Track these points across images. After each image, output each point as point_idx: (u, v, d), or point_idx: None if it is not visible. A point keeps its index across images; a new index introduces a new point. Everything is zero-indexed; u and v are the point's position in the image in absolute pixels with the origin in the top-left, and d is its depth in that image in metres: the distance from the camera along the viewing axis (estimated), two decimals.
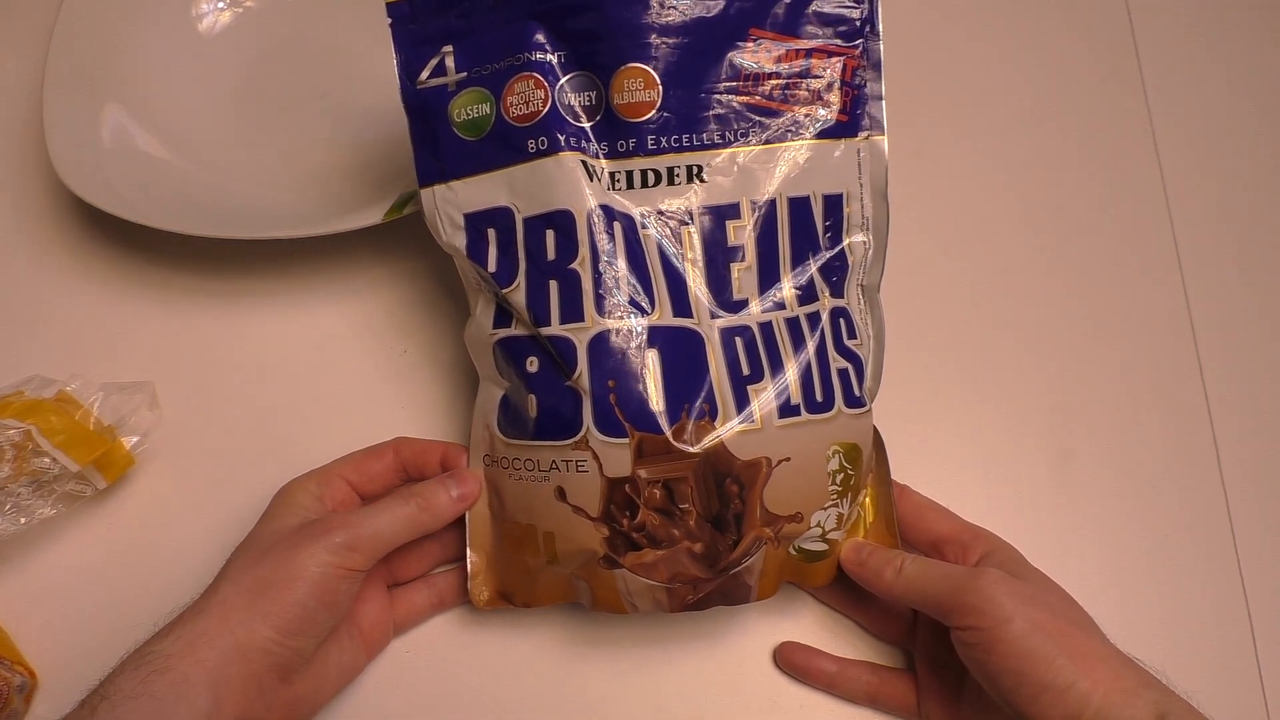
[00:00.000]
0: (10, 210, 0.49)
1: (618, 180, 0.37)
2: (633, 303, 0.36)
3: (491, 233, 0.38)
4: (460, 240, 0.38)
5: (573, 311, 0.36)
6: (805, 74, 0.37)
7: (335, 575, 0.34)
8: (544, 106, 0.36)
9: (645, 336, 0.36)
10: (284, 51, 0.54)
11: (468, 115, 0.37)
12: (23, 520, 0.39)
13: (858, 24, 0.38)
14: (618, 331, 0.36)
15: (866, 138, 0.38)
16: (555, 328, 0.36)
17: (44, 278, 0.48)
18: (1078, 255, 0.51)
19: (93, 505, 0.43)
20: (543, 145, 0.36)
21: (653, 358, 0.36)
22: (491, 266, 0.37)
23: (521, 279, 0.37)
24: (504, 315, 0.38)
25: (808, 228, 0.38)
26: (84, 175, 0.45)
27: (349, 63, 0.53)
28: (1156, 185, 0.53)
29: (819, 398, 0.37)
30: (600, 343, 0.36)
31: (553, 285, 0.36)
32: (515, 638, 0.41)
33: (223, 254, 0.48)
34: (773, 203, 0.37)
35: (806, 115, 0.38)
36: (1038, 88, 0.55)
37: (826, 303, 0.38)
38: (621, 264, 0.36)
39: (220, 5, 0.54)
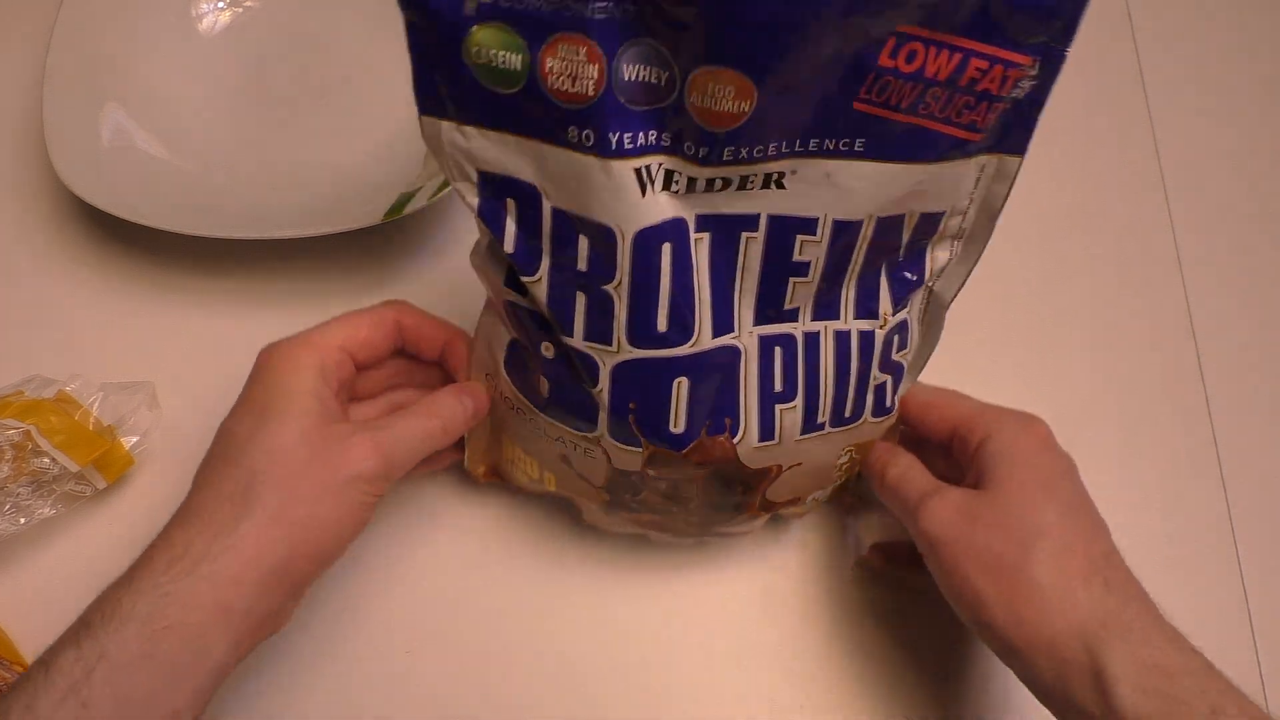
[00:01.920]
0: (10, 210, 0.49)
1: (676, 182, 0.30)
2: (670, 332, 0.31)
3: (511, 204, 0.31)
4: (472, 196, 0.31)
5: (601, 333, 0.32)
6: (952, 82, 0.28)
7: (369, 505, 0.34)
8: (595, 90, 0.27)
9: (678, 366, 0.32)
10: (284, 51, 0.54)
11: (489, 60, 0.27)
12: (23, 520, 0.39)
13: (1054, 24, 0.28)
14: (649, 362, 0.32)
15: (998, 156, 0.31)
16: (579, 342, 0.32)
17: (44, 278, 0.48)
18: (1077, 255, 0.51)
19: (93, 505, 0.43)
20: (588, 141, 0.28)
21: (682, 385, 0.33)
22: (509, 245, 0.31)
23: (545, 275, 0.32)
24: (518, 281, 0.32)
25: (890, 241, 0.33)
26: (84, 175, 0.45)
27: (349, 62, 0.53)
28: (1157, 185, 0.53)
29: (848, 414, 0.36)
30: (628, 369, 0.32)
31: (580, 297, 0.31)
32: (516, 639, 0.41)
33: (222, 254, 0.48)
34: (859, 222, 0.31)
35: (937, 131, 0.29)
36: None
37: (887, 320, 0.34)
38: (665, 290, 0.31)
39: (220, 5, 0.54)
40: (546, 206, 0.30)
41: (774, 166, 0.29)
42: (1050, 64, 0.29)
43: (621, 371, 0.32)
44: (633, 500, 0.36)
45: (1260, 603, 0.44)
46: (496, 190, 0.31)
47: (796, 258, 0.31)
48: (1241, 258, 0.51)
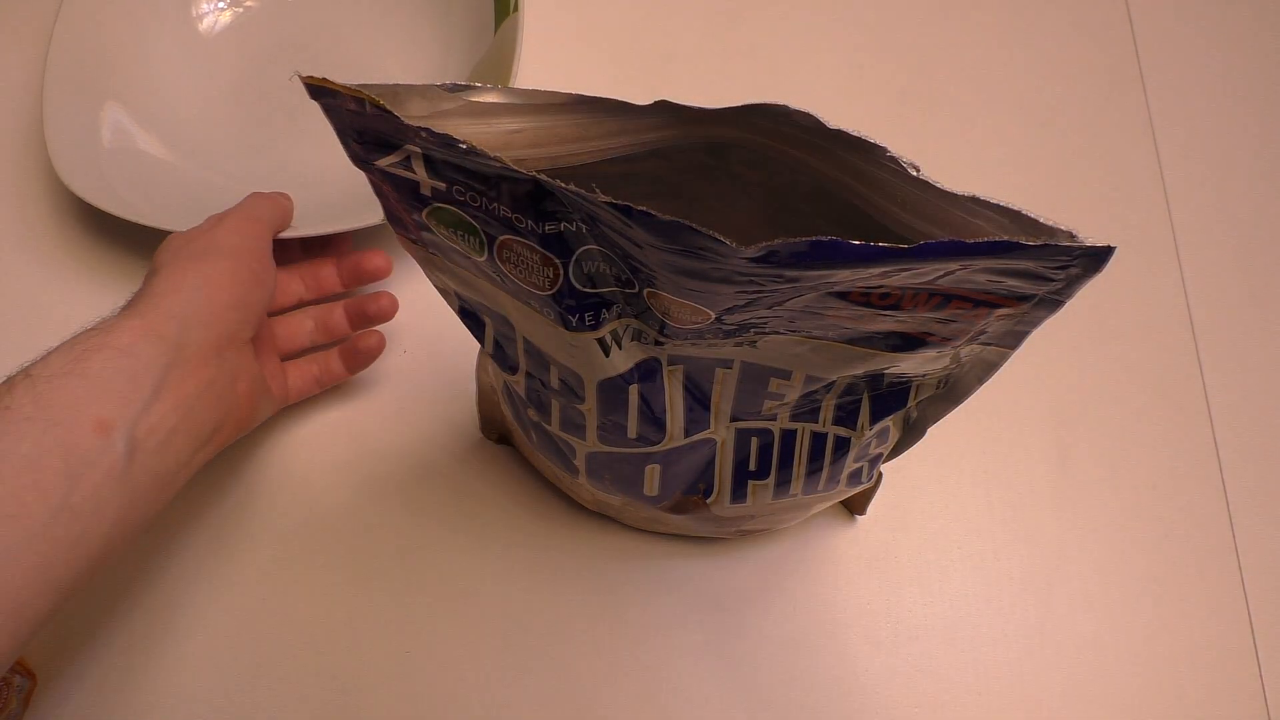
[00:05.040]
0: (10, 209, 0.49)
1: (645, 337, 0.29)
2: (640, 438, 0.33)
3: (488, 322, 0.32)
4: (454, 304, 0.32)
5: (574, 429, 0.33)
6: (933, 316, 0.26)
7: (253, 239, 0.37)
8: (552, 285, 0.27)
9: (652, 457, 0.34)
10: (284, 50, 0.54)
11: (453, 234, 0.27)
12: None
13: (1045, 290, 0.25)
14: (621, 455, 0.34)
15: (980, 348, 0.29)
16: (555, 430, 0.34)
17: (44, 277, 0.48)
18: None
19: None
20: (549, 314, 0.28)
21: (655, 470, 0.34)
22: (488, 348, 0.33)
23: (522, 379, 0.33)
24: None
25: (870, 382, 0.32)
26: (84, 175, 0.45)
27: (350, 61, 0.53)
28: (1157, 185, 0.53)
29: (820, 488, 0.36)
30: (600, 457, 0.34)
31: (554, 402, 0.33)
32: (515, 638, 0.41)
33: None
34: (834, 380, 0.31)
35: (913, 335, 0.28)
36: (1037, 88, 0.55)
37: (865, 431, 0.34)
38: (633, 412, 0.32)
39: (220, 4, 0.54)
40: (519, 336, 0.31)
41: (744, 338, 0.29)
42: (1046, 306, 0.26)
43: (595, 458, 0.34)
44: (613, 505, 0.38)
45: (1260, 603, 0.44)
46: (471, 311, 0.32)
47: (772, 390, 0.32)
48: (1241, 258, 0.51)
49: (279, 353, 0.42)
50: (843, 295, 0.25)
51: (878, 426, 0.34)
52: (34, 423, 0.28)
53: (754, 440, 0.34)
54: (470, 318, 0.32)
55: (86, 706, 0.39)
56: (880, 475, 0.40)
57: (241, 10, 0.54)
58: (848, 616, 0.42)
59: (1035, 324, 0.27)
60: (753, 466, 0.35)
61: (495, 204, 0.26)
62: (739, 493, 0.36)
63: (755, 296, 0.25)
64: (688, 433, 0.33)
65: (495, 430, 0.43)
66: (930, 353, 0.29)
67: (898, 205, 0.26)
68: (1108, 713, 0.42)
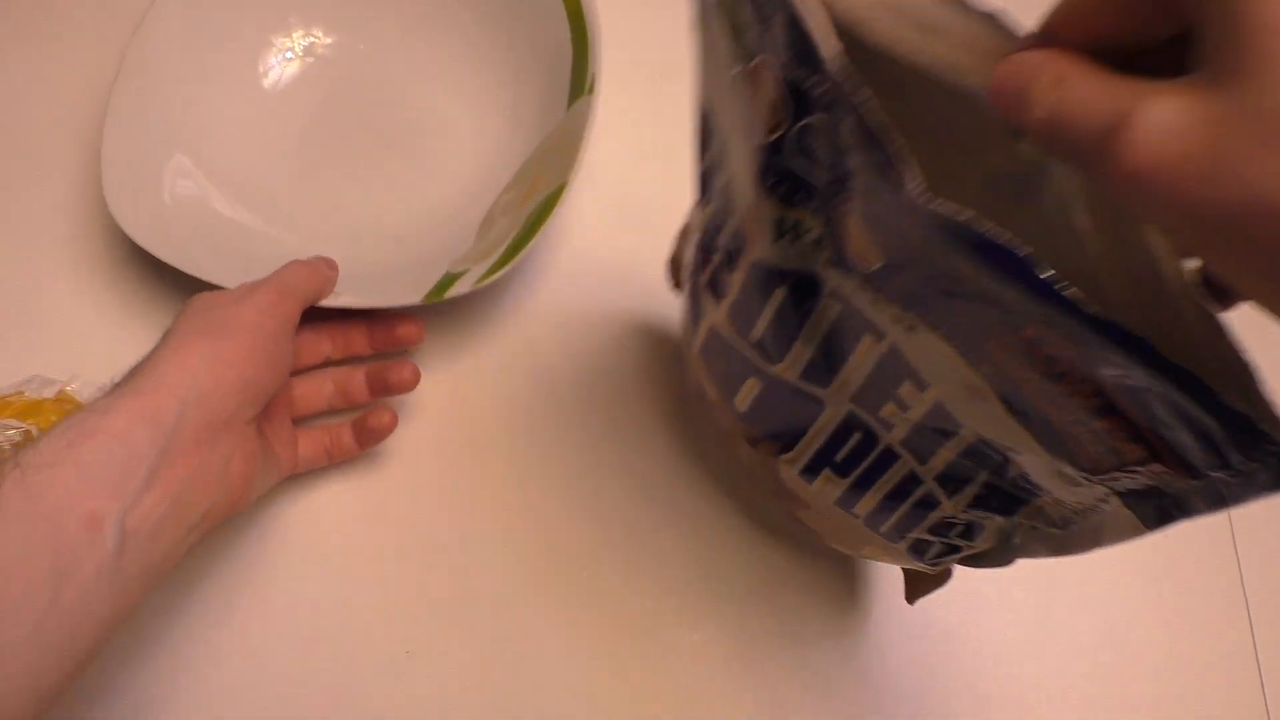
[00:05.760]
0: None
1: (820, 253, 0.26)
2: (758, 346, 0.31)
3: (714, 143, 0.30)
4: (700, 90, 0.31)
5: (714, 293, 0.32)
6: (1086, 416, 0.22)
7: (277, 319, 0.36)
8: (771, 133, 0.25)
9: (757, 372, 0.32)
10: (352, 104, 0.52)
11: (727, 31, 0.26)
12: None
13: (1217, 473, 0.21)
14: (733, 350, 0.32)
15: (1119, 503, 0.25)
16: (703, 281, 0.33)
17: (44, 277, 0.48)
18: None
19: None
20: (753, 166, 0.26)
21: (753, 385, 0.33)
22: (705, 160, 0.31)
23: (706, 218, 0.32)
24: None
25: (999, 466, 0.27)
26: (143, 225, 0.44)
27: (417, 116, 0.52)
28: None
29: (882, 530, 0.34)
30: (719, 338, 0.33)
31: (716, 258, 0.31)
32: (515, 640, 0.41)
33: None
34: (958, 430, 0.27)
35: (1056, 426, 0.23)
36: None
37: (955, 509, 0.30)
38: (768, 314, 0.29)
39: (288, 55, 0.52)
40: (725, 170, 0.30)
41: (906, 317, 0.25)
42: (1207, 498, 0.22)
43: (715, 336, 0.33)
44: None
45: (1260, 603, 0.44)
46: (708, 124, 0.31)
47: (902, 394, 0.27)
48: None
49: (294, 413, 0.41)
50: (1011, 328, 0.21)
51: (973, 514, 0.30)
52: (23, 520, 0.27)
53: (856, 435, 0.31)
54: (704, 125, 0.31)
55: (87, 707, 0.39)
56: (949, 574, 0.37)
57: (310, 62, 0.52)
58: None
59: (1186, 511, 0.22)
60: (838, 458, 0.32)
61: (771, 24, 0.23)
62: (811, 472, 0.33)
63: (920, 262, 0.22)
64: (803, 376, 0.30)
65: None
66: (1067, 468, 0.24)
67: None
68: (1108, 713, 0.42)
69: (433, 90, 0.53)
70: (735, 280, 0.30)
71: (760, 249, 0.28)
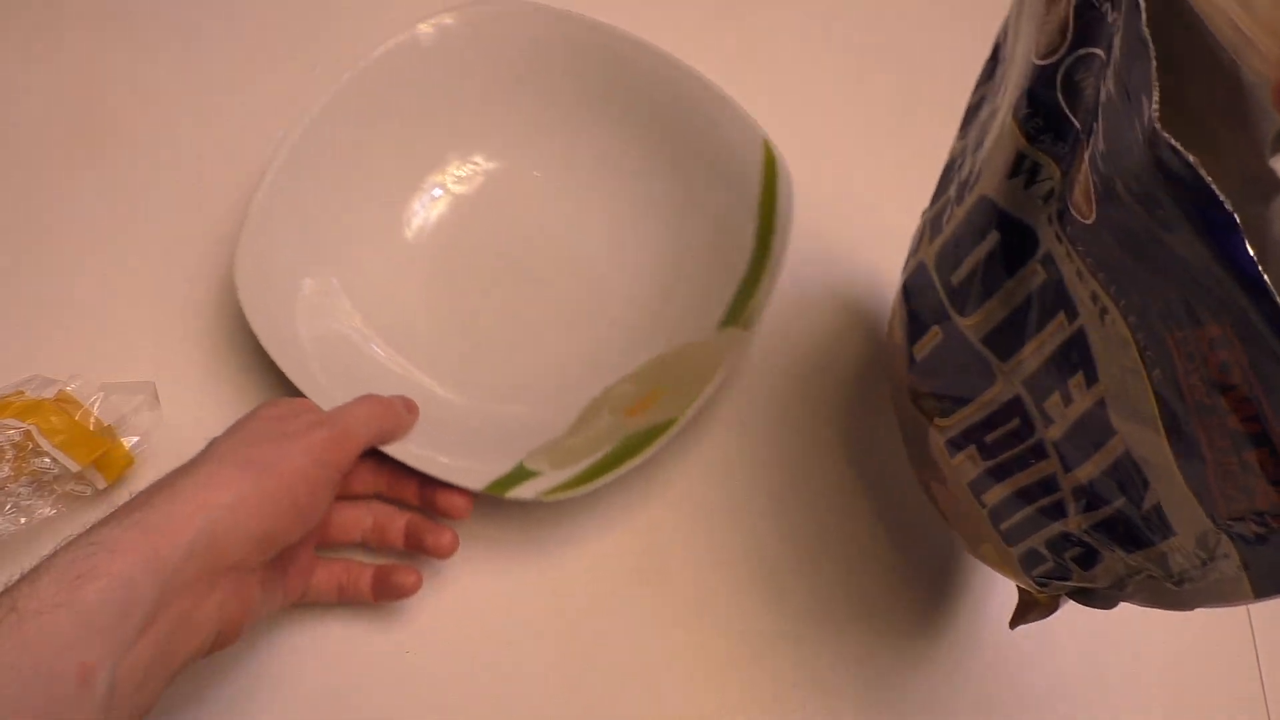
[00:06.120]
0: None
1: (1049, 207, 0.26)
2: (954, 293, 0.30)
3: (999, 67, 0.30)
4: None
5: (937, 227, 0.32)
6: (1233, 443, 0.21)
7: (324, 469, 0.34)
8: (1047, 55, 0.24)
9: (944, 317, 0.31)
10: (498, 249, 0.49)
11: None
12: (23, 520, 0.39)
13: None
14: (933, 290, 0.32)
15: (1238, 562, 0.25)
16: (928, 215, 0.33)
17: (43, 277, 0.48)
18: None
19: (93, 505, 0.42)
20: (1015, 91, 0.26)
21: (936, 334, 0.32)
22: (992, 73, 0.30)
23: (958, 144, 0.33)
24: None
25: (1137, 494, 0.27)
26: (283, 350, 0.42)
27: (568, 263, 0.49)
28: None
29: (1000, 527, 0.33)
30: (923, 274, 0.33)
31: (953, 183, 0.31)
32: (515, 643, 0.41)
33: None
34: (1113, 435, 0.27)
35: (1196, 442, 0.23)
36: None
37: (1080, 529, 0.29)
38: (977, 257, 0.29)
39: (435, 194, 0.49)
40: (995, 96, 0.30)
41: (1099, 301, 0.24)
42: None
43: (922, 271, 0.33)
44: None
45: (1260, 603, 0.44)
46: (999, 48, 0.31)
47: (1070, 387, 0.26)
48: None
49: (325, 540, 0.40)
50: (1196, 320, 0.20)
51: (1094, 538, 0.29)
52: (15, 672, 0.25)
53: (1015, 421, 0.29)
54: (994, 53, 0.31)
55: None
56: (1058, 605, 0.36)
57: (461, 193, 0.50)
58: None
59: None
60: (988, 438, 0.31)
61: None
62: (957, 446, 0.33)
63: (1130, 212, 0.20)
64: (985, 339, 0.29)
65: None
66: (1198, 510, 0.23)
67: None
68: (1107, 713, 0.42)
69: (590, 238, 0.49)
70: (958, 215, 0.29)
71: (993, 183, 0.27)
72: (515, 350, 0.47)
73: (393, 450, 0.40)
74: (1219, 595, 0.26)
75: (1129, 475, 0.26)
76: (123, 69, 0.52)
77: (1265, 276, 0.18)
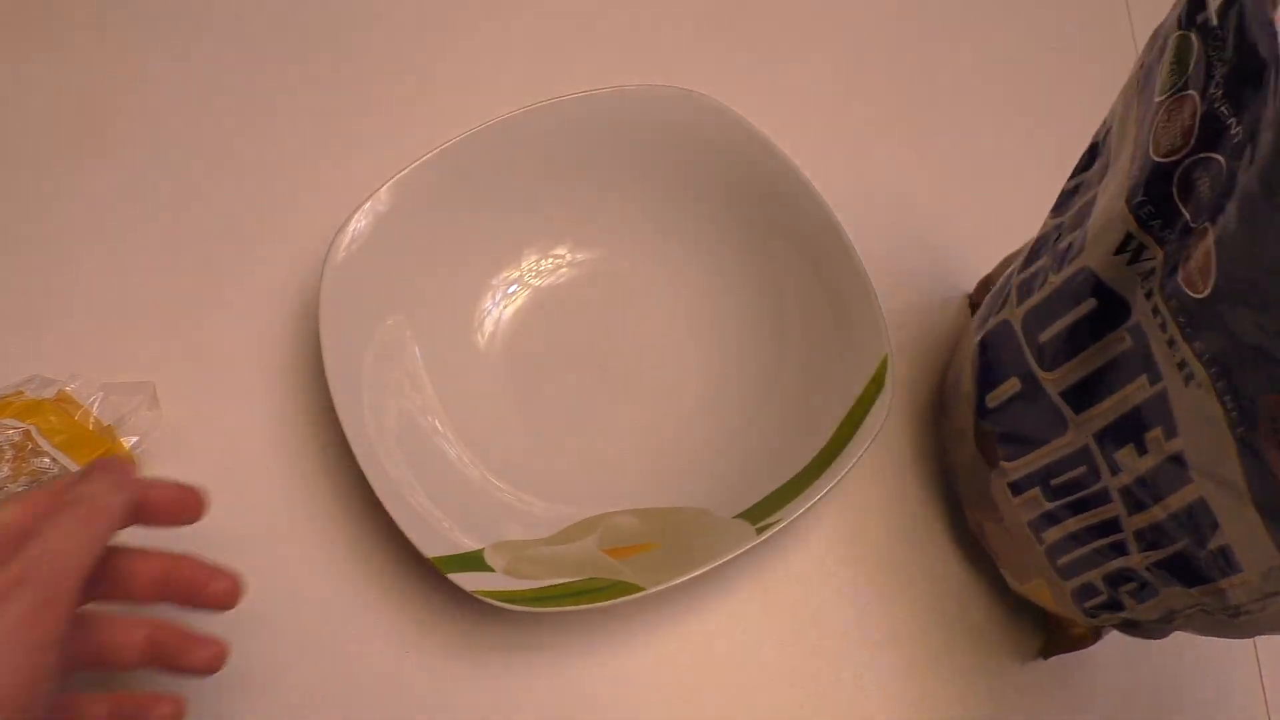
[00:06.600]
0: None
1: (1150, 281, 0.29)
2: (1039, 353, 0.33)
3: (1107, 150, 0.33)
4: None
5: (1025, 292, 0.35)
6: None
7: (30, 656, 0.24)
8: (1171, 154, 0.28)
9: (1023, 374, 0.35)
10: (574, 352, 0.47)
11: (1172, 64, 0.28)
12: None
13: None
14: (1011, 342, 0.35)
15: None
16: (1017, 279, 0.36)
17: (44, 277, 0.48)
18: None
19: None
20: (1132, 162, 0.30)
21: (1010, 387, 0.36)
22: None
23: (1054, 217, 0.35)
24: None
25: (1200, 533, 0.29)
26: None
27: (641, 360, 0.47)
28: None
29: (1041, 544, 0.36)
30: (1001, 331, 0.36)
31: (1043, 258, 0.34)
32: (518, 647, 0.41)
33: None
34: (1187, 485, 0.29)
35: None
36: (1039, 87, 0.55)
37: (1136, 559, 0.32)
38: (1065, 322, 0.32)
39: (512, 289, 0.47)
40: (1103, 172, 0.32)
41: (1190, 366, 0.26)
42: None
43: (1004, 328, 0.36)
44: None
45: None
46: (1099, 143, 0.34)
47: (1149, 440, 0.29)
48: None
49: (84, 662, 0.30)
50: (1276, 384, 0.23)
51: (1155, 575, 0.31)
52: None
53: (1082, 468, 0.32)
54: (1093, 147, 0.34)
55: None
56: (1095, 639, 0.39)
57: (529, 290, 0.47)
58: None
59: None
60: (1055, 482, 0.34)
61: (1213, 64, 0.26)
62: (1019, 489, 0.36)
63: (1253, 292, 0.23)
64: (1064, 393, 0.32)
65: None
66: (1270, 550, 0.26)
67: None
68: (1107, 712, 0.42)
69: (664, 353, 0.46)
70: (1054, 281, 0.32)
71: (1097, 256, 0.30)
72: (542, 439, 0.45)
73: (374, 484, 0.38)
74: (1276, 625, 0.29)
75: (1199, 519, 0.28)
76: (124, 68, 0.52)
77: None
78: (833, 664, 0.41)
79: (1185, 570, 0.30)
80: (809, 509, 0.39)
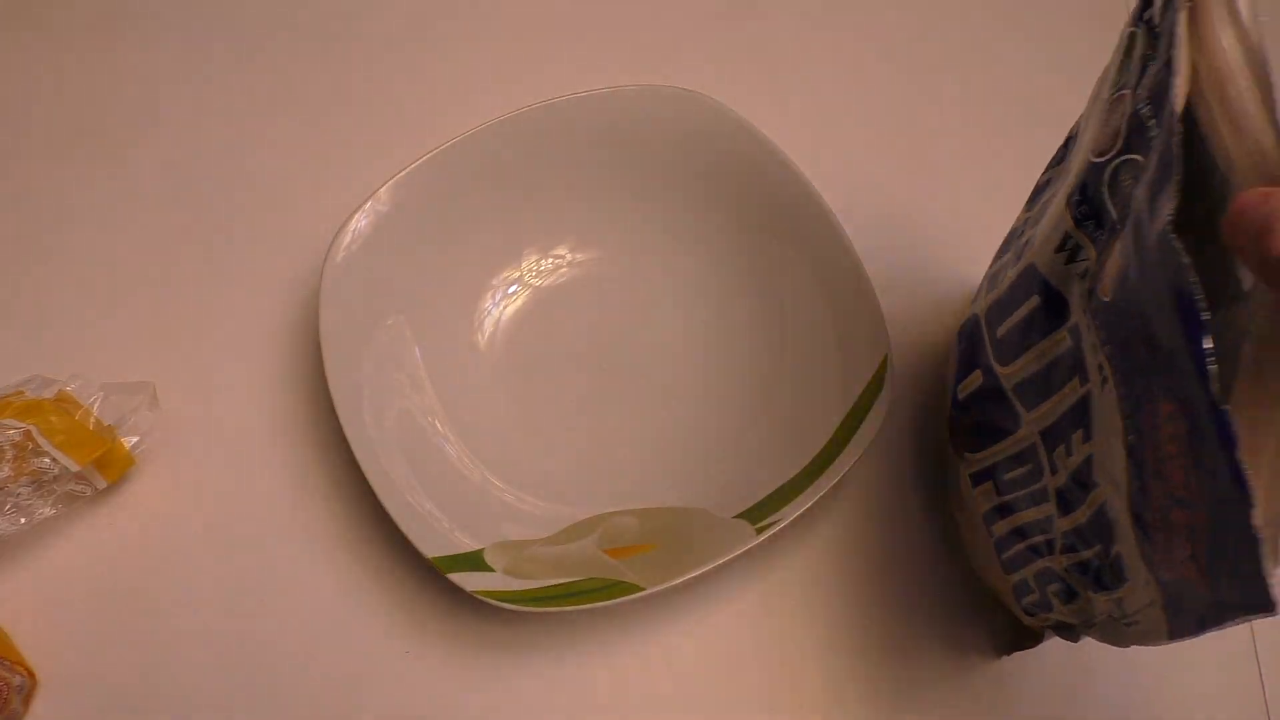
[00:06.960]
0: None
1: (1084, 283, 0.28)
2: (998, 346, 0.34)
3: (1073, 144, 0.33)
4: None
5: (993, 282, 0.35)
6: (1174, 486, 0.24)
7: None
8: (1101, 154, 0.28)
9: (986, 370, 0.35)
10: (577, 351, 0.47)
11: (1122, 57, 0.28)
12: (23, 520, 0.39)
13: None
14: (978, 334, 0.36)
15: (1160, 607, 0.28)
16: (991, 270, 0.37)
17: (44, 277, 0.48)
18: None
19: (93, 505, 0.43)
20: (1067, 171, 0.31)
21: (974, 377, 0.36)
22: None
23: (1023, 215, 0.36)
24: None
25: (1106, 550, 0.29)
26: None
27: (645, 360, 0.46)
28: None
29: (980, 542, 0.38)
30: (974, 320, 0.36)
31: (1007, 257, 0.35)
32: (518, 647, 0.41)
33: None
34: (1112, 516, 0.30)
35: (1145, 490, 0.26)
36: (1040, 88, 0.55)
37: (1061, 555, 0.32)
38: (1017, 319, 0.32)
39: (512, 290, 0.47)
40: (1064, 179, 0.32)
41: (1104, 369, 0.26)
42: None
43: (988, 316, 0.36)
44: None
45: None
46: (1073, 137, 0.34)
47: (1073, 443, 0.29)
48: None
49: None
50: (1166, 393, 0.22)
51: (1072, 578, 0.31)
52: None
53: (1029, 465, 0.32)
54: (1068, 140, 0.34)
55: (87, 706, 0.39)
56: (1041, 638, 0.38)
57: (530, 290, 0.47)
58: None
59: (1207, 624, 0.24)
60: (1006, 476, 0.34)
61: (1148, 63, 0.26)
62: (978, 480, 0.36)
63: (1139, 299, 0.23)
64: (1017, 389, 0.32)
65: None
66: (1143, 546, 0.26)
67: None
68: (1107, 712, 0.42)
69: (667, 350, 0.46)
70: (1010, 276, 0.33)
71: (1041, 254, 0.30)
72: (542, 439, 0.45)
73: (373, 483, 0.38)
74: (1146, 636, 0.28)
75: (1104, 525, 0.28)
76: (124, 68, 0.52)
77: (1211, 365, 0.20)
78: (834, 664, 0.41)
79: (1094, 576, 0.30)
80: (809, 509, 0.39)
